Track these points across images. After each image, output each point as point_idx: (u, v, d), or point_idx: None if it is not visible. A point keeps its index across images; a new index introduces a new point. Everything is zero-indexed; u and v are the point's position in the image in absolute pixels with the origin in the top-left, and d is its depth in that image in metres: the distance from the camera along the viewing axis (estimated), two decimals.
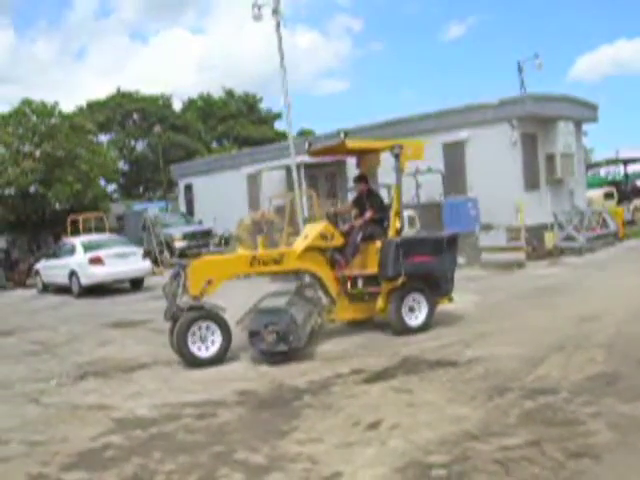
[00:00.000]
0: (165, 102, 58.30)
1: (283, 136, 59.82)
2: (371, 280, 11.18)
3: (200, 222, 32.14)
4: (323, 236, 11.08)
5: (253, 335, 9.82)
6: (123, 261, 21.42)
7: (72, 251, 22.37)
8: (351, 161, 26.82)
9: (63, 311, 18.83)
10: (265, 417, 7.23)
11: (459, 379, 8.05)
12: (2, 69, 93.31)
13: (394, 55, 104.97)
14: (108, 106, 53.88)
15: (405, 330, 10.79)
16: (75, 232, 30.69)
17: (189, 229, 29.94)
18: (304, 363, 9.55)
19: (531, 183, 22.36)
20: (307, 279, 11.73)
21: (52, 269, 23.47)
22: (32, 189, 33.24)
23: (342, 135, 11.15)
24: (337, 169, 27.63)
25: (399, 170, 11.44)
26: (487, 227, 19.93)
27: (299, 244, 11.25)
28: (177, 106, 62.91)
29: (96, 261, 21.03)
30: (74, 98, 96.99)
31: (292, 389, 8.22)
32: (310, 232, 11.38)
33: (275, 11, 20.64)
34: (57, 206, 35.27)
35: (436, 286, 11.28)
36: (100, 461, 6.30)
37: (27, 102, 34.62)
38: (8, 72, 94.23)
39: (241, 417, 7.29)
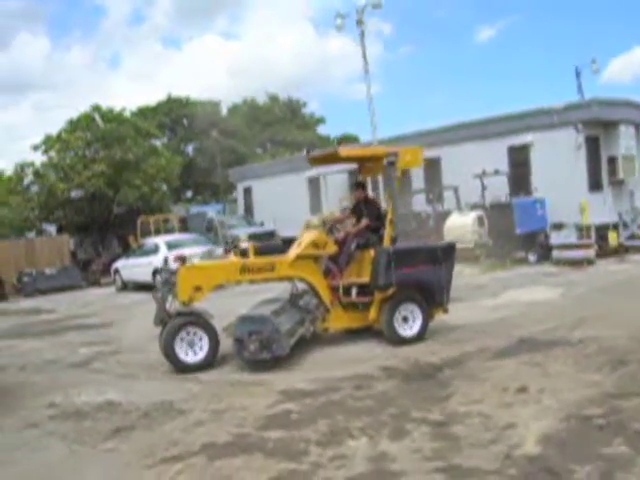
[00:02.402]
0: (214, 108, 59.75)
1: (326, 141, 61.10)
2: (365, 289, 11.14)
3: (262, 224, 33.24)
4: (315, 244, 11.04)
5: (237, 342, 10.07)
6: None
7: (155, 250, 23.61)
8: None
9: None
10: (418, 386, 8.26)
11: (579, 355, 9.07)
12: (37, 76, 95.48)
13: (425, 59, 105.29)
14: (160, 111, 55.34)
15: (398, 340, 10.75)
16: (143, 234, 32.01)
17: (253, 230, 31.01)
18: (428, 344, 10.59)
19: (594, 184, 23.20)
20: (297, 287, 11.71)
21: (134, 267, 24.72)
22: (100, 192, 34.45)
23: (336, 144, 11.46)
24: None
25: (394, 178, 11.37)
26: (558, 226, 20.87)
27: (292, 252, 11.21)
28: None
29: (180, 259, 22.10)
30: (109, 104, 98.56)
31: (429, 365, 9.26)
32: (303, 240, 11.31)
33: (359, 22, 21.70)
34: (120, 209, 36.64)
35: (430, 296, 11.13)
36: (289, 423, 7.30)
37: (96, 108, 36.12)
38: (43, 79, 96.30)
39: (396, 387, 8.34)
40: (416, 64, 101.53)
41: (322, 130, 68.68)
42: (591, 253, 19.53)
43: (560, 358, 8.97)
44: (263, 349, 9.75)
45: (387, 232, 11.23)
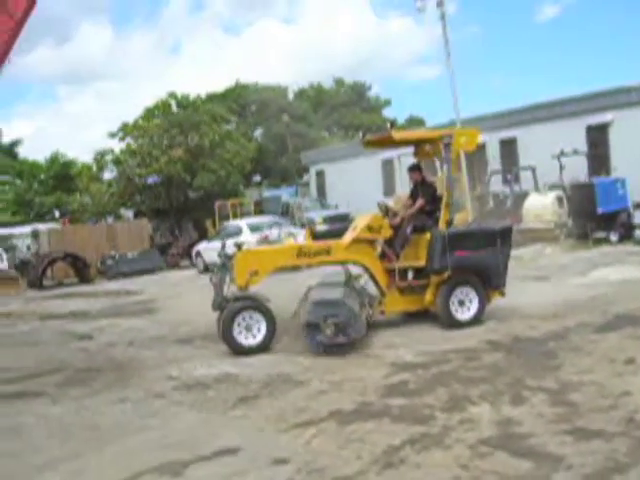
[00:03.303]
0: (281, 93, 60.36)
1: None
2: (421, 272, 11.25)
3: (336, 207, 33.72)
4: (371, 228, 11.05)
5: (310, 327, 9.96)
6: (288, 241, 23.10)
7: (238, 232, 24.29)
8: (491, 145, 28.24)
9: None
10: (526, 358, 8.62)
11: None
12: (100, 65, 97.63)
13: (489, 39, 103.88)
14: (229, 97, 56.06)
15: (454, 324, 10.82)
16: (220, 218, 32.80)
17: (328, 213, 31.51)
18: (525, 320, 10.86)
19: None
20: (346, 271, 11.68)
21: (216, 250, 25.39)
22: (177, 177, 35.29)
23: (389, 126, 11.26)
24: (476, 153, 28.72)
25: (450, 160, 11.30)
26: None
27: (348, 235, 11.34)
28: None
29: (264, 241, 22.81)
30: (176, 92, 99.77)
31: (530, 339, 9.62)
32: (359, 224, 11.37)
33: (440, 3, 21.93)
34: (195, 194, 37.50)
35: (487, 280, 11.12)
36: (408, 391, 7.73)
37: (172, 95, 37.07)
38: (106, 68, 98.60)
39: (504, 358, 8.71)
40: (480, 44, 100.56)
41: (388, 113, 68.75)
42: None
43: None
44: (339, 333, 9.76)
45: (443, 215, 11.20)
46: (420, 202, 11.55)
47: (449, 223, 11.30)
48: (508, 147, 27.11)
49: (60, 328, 15.65)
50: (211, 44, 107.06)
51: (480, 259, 11.01)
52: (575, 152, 22.94)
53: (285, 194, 38.18)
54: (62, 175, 52.63)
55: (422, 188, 11.87)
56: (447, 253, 10.72)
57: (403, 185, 30.48)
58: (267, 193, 42.57)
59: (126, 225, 34.35)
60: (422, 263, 11.11)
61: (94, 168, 37.93)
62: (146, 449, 6.71)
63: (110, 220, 37.92)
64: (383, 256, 11.35)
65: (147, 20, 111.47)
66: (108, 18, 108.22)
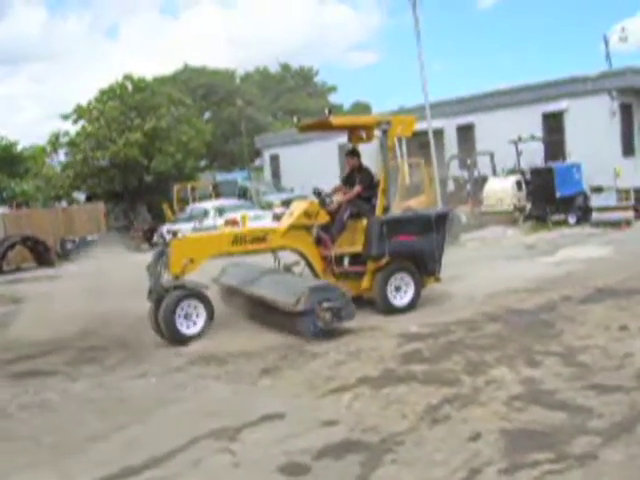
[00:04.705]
0: (229, 77, 60.46)
1: (339, 109, 61.81)
2: (357, 258, 11.27)
3: (292, 190, 34.24)
4: (307, 214, 11.00)
5: (305, 314, 9.61)
6: (255, 223, 23.55)
7: (204, 215, 24.76)
8: (449, 131, 29.07)
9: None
10: (525, 327, 9.36)
11: None
12: (34, 46, 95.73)
13: (429, 26, 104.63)
14: (178, 81, 55.93)
15: (390, 310, 10.95)
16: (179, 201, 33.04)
17: (287, 196, 32.02)
18: (512, 293, 11.62)
19: (628, 150, 24.37)
20: (276, 258, 11.69)
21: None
22: (133, 160, 35.32)
23: (326, 111, 11.28)
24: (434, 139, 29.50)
25: (387, 147, 11.37)
26: (597, 189, 22.01)
27: (284, 222, 11.29)
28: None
29: (232, 223, 23.20)
30: (106, 75, 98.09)
31: (523, 310, 10.36)
32: (295, 210, 11.31)
33: None
34: (150, 177, 37.54)
35: (423, 265, 11.28)
36: (426, 359, 8.26)
37: (128, 77, 36.98)
38: (40, 49, 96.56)
39: (505, 328, 9.38)
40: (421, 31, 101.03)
41: (334, 98, 69.44)
42: (630, 214, 20.67)
43: None
44: (334, 317, 9.65)
45: (379, 201, 11.26)
46: (358, 188, 11.55)
47: (386, 209, 11.39)
48: (465, 133, 28.05)
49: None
50: (148, 26, 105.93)
51: (417, 245, 11.20)
52: (532, 137, 24.01)
53: (239, 178, 38.55)
54: (4, 158, 51.70)
55: (360, 174, 11.84)
56: (385, 239, 10.88)
57: None
58: (219, 177, 42.92)
59: (82, 208, 34.25)
60: (359, 249, 11.26)
61: (48, 150, 37.60)
62: (189, 418, 6.86)
63: (64, 204, 37.65)
64: (319, 242, 11.28)
65: (83, 1, 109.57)
66: None
